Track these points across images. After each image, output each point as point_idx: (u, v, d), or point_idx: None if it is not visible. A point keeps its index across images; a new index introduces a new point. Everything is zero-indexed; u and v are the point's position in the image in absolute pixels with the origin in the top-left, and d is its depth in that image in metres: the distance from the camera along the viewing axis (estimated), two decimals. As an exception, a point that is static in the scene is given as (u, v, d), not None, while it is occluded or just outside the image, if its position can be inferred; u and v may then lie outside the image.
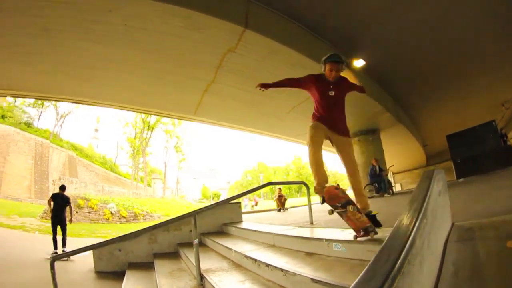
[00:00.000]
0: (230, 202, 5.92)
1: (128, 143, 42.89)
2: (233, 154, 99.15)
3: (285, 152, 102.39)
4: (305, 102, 8.24)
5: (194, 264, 3.04)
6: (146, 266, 4.58)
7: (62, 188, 7.23)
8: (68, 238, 6.96)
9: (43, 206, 19.11)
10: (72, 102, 7.87)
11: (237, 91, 8.14)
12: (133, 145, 42.48)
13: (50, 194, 7.34)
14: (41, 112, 36.09)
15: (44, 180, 28.63)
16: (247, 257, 2.96)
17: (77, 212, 13.86)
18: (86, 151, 39.87)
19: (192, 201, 39.69)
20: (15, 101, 30.94)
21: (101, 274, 4.75)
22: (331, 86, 2.49)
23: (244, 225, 5.33)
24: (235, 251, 3.37)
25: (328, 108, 2.51)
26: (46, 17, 4.67)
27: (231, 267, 3.13)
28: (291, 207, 11.75)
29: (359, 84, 3.28)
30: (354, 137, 11.47)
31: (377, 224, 2.29)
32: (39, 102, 32.55)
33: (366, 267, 0.96)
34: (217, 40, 5.93)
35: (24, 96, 7.74)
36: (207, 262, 3.41)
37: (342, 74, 2.57)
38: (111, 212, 14.45)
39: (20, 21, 4.71)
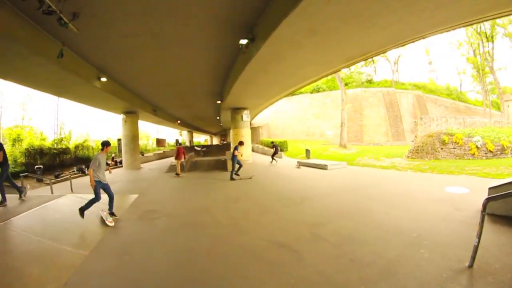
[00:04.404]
0: None
1: (470, 64, 36.47)
2: None
3: None
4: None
5: None
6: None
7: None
8: (443, 176, 7.22)
9: (403, 146, 22.13)
10: (396, 47, 8.38)
11: None
12: (475, 65, 35.55)
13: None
14: (375, 67, 41.05)
15: (398, 124, 32.80)
16: None
17: (441, 148, 14.35)
18: (429, 86, 38.98)
19: None
20: (349, 70, 37.49)
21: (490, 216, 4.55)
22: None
23: None
24: None
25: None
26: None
27: None
28: None
29: None
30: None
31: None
32: (369, 60, 36.90)
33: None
34: None
35: (361, 60, 9.60)
36: None
37: None
38: (476, 146, 13.38)
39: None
